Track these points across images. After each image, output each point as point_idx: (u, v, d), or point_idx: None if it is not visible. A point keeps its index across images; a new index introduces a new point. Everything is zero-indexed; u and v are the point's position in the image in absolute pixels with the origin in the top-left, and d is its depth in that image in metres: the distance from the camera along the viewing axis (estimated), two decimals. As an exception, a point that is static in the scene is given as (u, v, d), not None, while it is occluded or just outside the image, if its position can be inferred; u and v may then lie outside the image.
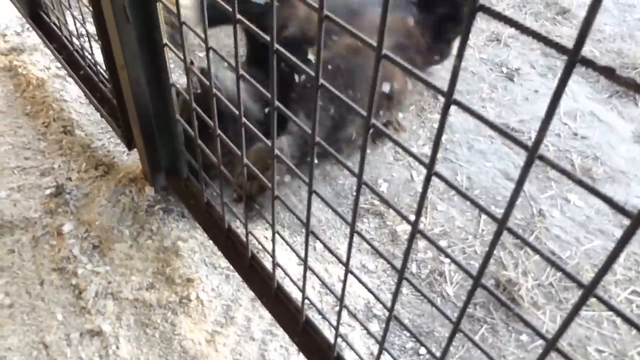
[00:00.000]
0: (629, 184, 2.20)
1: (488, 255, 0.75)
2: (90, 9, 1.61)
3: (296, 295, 1.45)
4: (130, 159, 2.13)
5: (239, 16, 0.96)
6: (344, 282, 1.14)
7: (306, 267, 1.24)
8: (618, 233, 2.00)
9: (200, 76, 1.33)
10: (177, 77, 2.48)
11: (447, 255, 0.87)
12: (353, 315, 1.20)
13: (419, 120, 2.41)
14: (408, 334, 1.72)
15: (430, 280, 1.86)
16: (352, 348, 1.26)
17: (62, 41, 2.28)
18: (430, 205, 2.06)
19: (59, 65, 2.47)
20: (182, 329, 1.65)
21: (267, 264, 1.53)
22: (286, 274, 1.39)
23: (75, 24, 2.04)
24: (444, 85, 0.66)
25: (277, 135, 1.06)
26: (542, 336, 0.74)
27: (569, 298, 1.84)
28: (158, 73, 1.57)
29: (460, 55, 0.60)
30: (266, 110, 2.04)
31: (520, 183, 0.63)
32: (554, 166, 0.59)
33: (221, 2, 1.01)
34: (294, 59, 0.86)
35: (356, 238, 1.52)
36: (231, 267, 1.71)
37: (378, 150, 2.26)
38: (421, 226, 1.97)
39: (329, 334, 1.38)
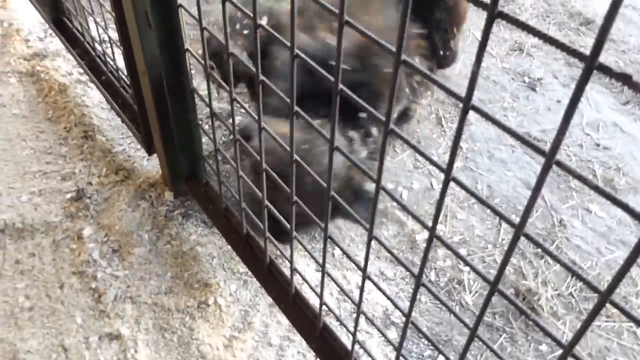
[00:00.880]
0: (652, 194, 2.17)
1: (505, 260, 0.74)
2: (113, 14, 1.63)
3: (314, 301, 1.45)
4: (150, 164, 2.14)
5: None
6: (362, 288, 1.13)
7: (324, 274, 1.23)
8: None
9: (221, 82, 1.33)
10: (198, 83, 2.49)
11: (465, 262, 0.86)
12: (371, 322, 1.19)
13: (439, 129, 2.40)
14: (426, 342, 1.71)
15: (449, 289, 1.84)
16: (369, 355, 1.25)
17: (85, 47, 2.30)
18: (449, 213, 2.05)
19: (81, 70, 2.50)
20: (200, 333, 1.65)
21: (285, 269, 1.53)
22: (304, 279, 1.38)
23: (97, 30, 2.07)
24: (463, 92, 0.65)
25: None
26: (558, 342, 0.73)
27: (589, 309, 1.81)
28: (179, 78, 1.58)
29: (478, 61, 0.59)
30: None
31: (537, 189, 0.62)
32: (572, 173, 0.58)
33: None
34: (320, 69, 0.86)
35: (374, 245, 1.52)
36: (249, 273, 1.71)
37: (398, 157, 2.25)
38: (440, 234, 1.96)
39: (346, 340, 1.37)
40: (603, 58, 0.51)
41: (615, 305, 0.62)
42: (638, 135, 2.45)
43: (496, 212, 0.74)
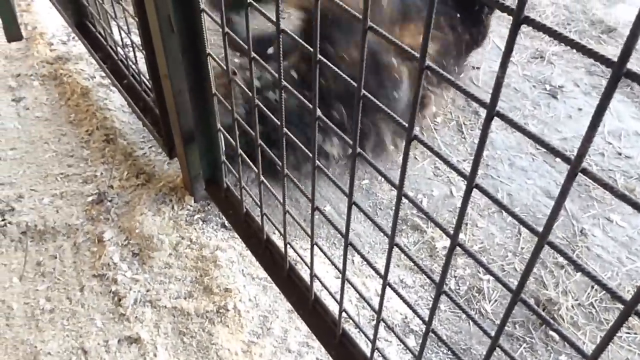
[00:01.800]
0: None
1: (528, 268, 0.74)
2: (136, 19, 1.65)
3: (333, 307, 1.45)
4: (171, 168, 2.16)
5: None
6: (382, 295, 1.13)
7: (344, 280, 1.23)
8: (664, 254, 1.94)
9: (242, 87, 1.34)
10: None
11: (486, 269, 0.85)
12: (390, 329, 1.19)
13: (459, 136, 2.39)
14: (445, 350, 1.69)
15: (468, 297, 1.83)
16: (389, 363, 1.24)
17: (107, 50, 2.33)
18: (470, 221, 2.03)
19: (103, 74, 2.53)
20: (219, 338, 1.66)
21: (305, 275, 1.53)
22: (324, 286, 1.38)
23: (120, 34, 2.09)
24: (485, 99, 0.65)
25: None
26: (582, 353, 0.72)
27: (609, 319, 1.79)
28: (201, 83, 1.59)
29: (503, 67, 0.59)
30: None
31: (562, 196, 0.61)
32: (597, 180, 0.57)
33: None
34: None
35: (393, 253, 1.51)
36: (269, 278, 1.71)
37: (418, 165, 2.24)
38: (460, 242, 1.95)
39: (365, 347, 1.37)
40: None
41: (640, 316, 0.61)
42: (661, 144, 2.42)
43: (520, 220, 0.73)
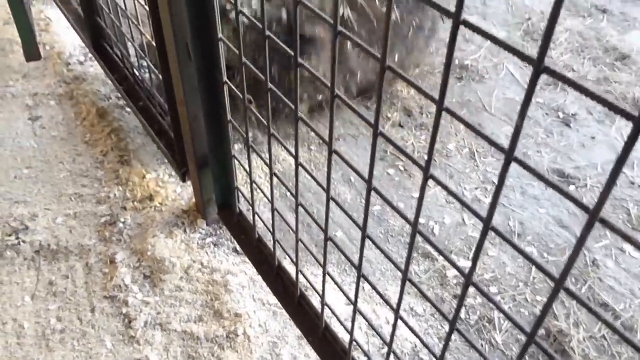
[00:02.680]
0: (689, 236, 2.12)
1: (543, 314, 0.73)
2: (154, 43, 1.67)
3: (343, 335, 1.44)
4: (183, 191, 2.17)
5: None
6: (394, 327, 1.13)
7: (355, 311, 1.23)
8: (678, 287, 1.92)
9: (258, 115, 1.35)
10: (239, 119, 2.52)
11: (501, 311, 0.85)
12: (399, 359, 1.18)
13: (472, 164, 2.39)
14: (455, 382, 1.68)
15: (479, 327, 1.82)
16: (399, 396, 1.24)
17: (124, 72, 2.36)
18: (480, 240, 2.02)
19: (119, 95, 2.56)
20: (227, 363, 1.66)
21: (315, 302, 1.53)
22: (334, 314, 1.38)
23: (137, 57, 2.12)
24: (497, 126, 0.65)
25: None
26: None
27: (622, 352, 1.77)
28: (216, 109, 1.60)
29: (522, 115, 0.59)
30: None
31: (580, 244, 0.61)
32: (615, 230, 0.57)
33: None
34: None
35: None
36: (279, 304, 1.71)
37: (430, 191, 2.24)
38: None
39: (375, 379, 1.36)
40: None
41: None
42: (675, 174, 2.41)
43: (536, 265, 0.73)
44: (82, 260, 1.94)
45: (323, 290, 1.35)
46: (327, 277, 1.31)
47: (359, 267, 1.13)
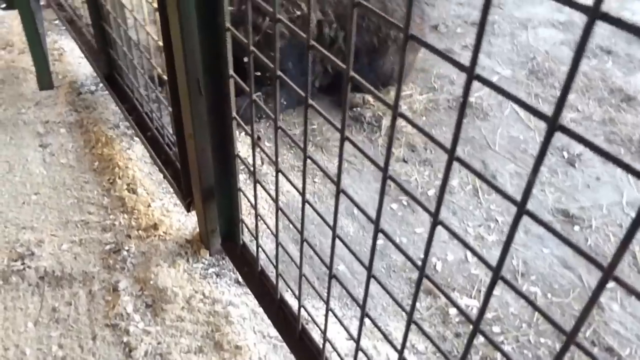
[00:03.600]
0: (693, 280, 2.12)
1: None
2: (165, 77, 1.70)
3: (344, 372, 1.44)
4: (188, 220, 2.18)
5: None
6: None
7: (358, 349, 1.23)
8: (681, 332, 1.91)
9: (265, 151, 1.37)
10: (246, 151, 2.55)
11: (504, 355, 0.85)
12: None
13: (475, 201, 2.40)
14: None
15: (480, 367, 1.81)
16: None
17: (133, 103, 2.39)
18: (483, 288, 2.03)
19: (128, 124, 2.59)
20: (227, 397, 1.65)
21: (317, 336, 1.53)
22: (335, 350, 1.38)
23: (147, 88, 2.15)
24: (502, 163, 0.66)
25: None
26: None
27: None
28: (224, 143, 1.62)
29: (535, 171, 0.61)
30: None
31: (592, 302, 0.62)
32: (629, 289, 0.58)
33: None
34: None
35: (403, 314, 1.51)
36: (280, 337, 1.71)
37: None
38: (474, 310, 1.94)
39: (375, 417, 1.35)
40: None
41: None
42: (679, 217, 2.40)
43: (547, 318, 0.74)
44: (86, 288, 1.94)
45: (325, 326, 1.35)
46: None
47: (362, 306, 1.13)
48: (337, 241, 1.14)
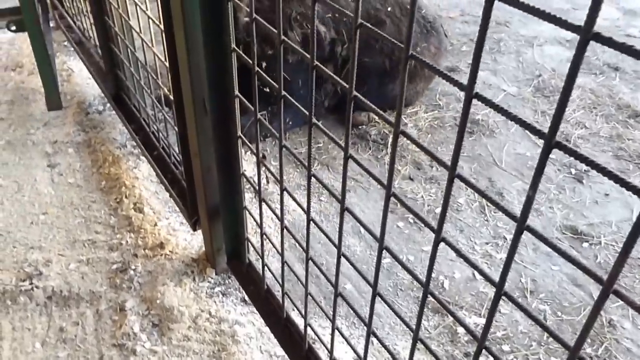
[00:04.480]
0: None
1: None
2: (171, 97, 1.71)
3: (351, 393, 1.43)
4: (194, 239, 2.18)
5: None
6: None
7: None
8: (693, 350, 1.89)
9: (271, 171, 1.37)
10: (252, 169, 2.55)
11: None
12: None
13: (482, 218, 2.39)
14: None
15: (489, 386, 1.79)
16: None
17: (140, 122, 2.41)
18: (491, 305, 2.01)
19: (134, 143, 2.60)
20: (233, 418, 1.63)
21: (323, 354, 1.52)
22: (342, 371, 1.37)
23: (154, 108, 2.17)
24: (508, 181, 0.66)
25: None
26: None
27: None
28: (230, 162, 1.63)
29: (534, 187, 0.61)
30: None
31: (594, 315, 0.62)
32: (630, 304, 0.58)
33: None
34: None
35: (412, 334, 1.50)
36: (287, 357, 1.70)
37: (440, 245, 2.23)
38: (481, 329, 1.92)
39: None
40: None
41: None
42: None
43: (552, 335, 0.73)
44: (93, 307, 1.94)
45: (332, 346, 1.34)
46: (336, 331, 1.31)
47: (369, 325, 1.13)
48: (344, 260, 1.14)
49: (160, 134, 2.21)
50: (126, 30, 2.13)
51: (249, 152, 2.60)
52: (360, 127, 2.93)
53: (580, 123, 3.05)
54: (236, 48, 1.31)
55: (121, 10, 2.08)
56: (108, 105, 2.94)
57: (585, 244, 2.28)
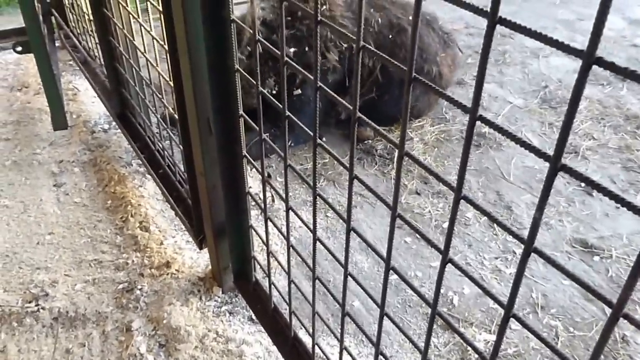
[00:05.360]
0: None
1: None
2: (176, 116, 1.71)
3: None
4: (200, 258, 2.17)
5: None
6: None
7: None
8: None
9: (277, 189, 1.36)
10: (257, 186, 2.55)
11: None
12: None
13: (490, 232, 2.36)
14: None
15: (501, 405, 1.76)
16: None
17: (145, 141, 2.41)
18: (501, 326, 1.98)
19: (140, 162, 2.60)
20: None
21: (331, 377, 1.50)
22: (351, 392, 1.35)
23: (159, 127, 2.17)
24: (517, 194, 0.65)
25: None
26: None
27: None
28: (235, 181, 1.62)
29: (540, 209, 0.59)
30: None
31: (603, 342, 0.60)
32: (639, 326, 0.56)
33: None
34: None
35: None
36: (294, 377, 1.68)
37: (448, 260, 2.21)
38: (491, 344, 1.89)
39: None
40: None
41: None
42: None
43: (559, 354, 0.71)
44: (99, 328, 1.93)
45: (340, 366, 1.32)
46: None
47: (377, 344, 1.11)
48: (351, 277, 1.12)
49: (166, 152, 2.20)
50: (131, 50, 2.14)
51: (254, 170, 2.59)
52: (366, 141, 2.92)
53: (588, 134, 3.03)
54: (240, 69, 1.30)
55: (126, 30, 2.09)
56: (113, 123, 2.94)
57: (596, 258, 2.25)
